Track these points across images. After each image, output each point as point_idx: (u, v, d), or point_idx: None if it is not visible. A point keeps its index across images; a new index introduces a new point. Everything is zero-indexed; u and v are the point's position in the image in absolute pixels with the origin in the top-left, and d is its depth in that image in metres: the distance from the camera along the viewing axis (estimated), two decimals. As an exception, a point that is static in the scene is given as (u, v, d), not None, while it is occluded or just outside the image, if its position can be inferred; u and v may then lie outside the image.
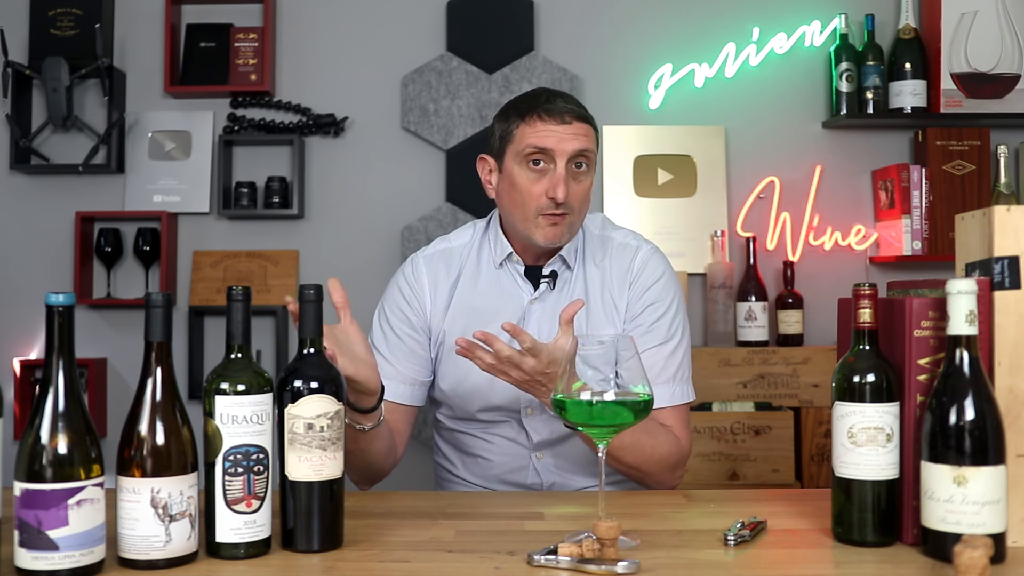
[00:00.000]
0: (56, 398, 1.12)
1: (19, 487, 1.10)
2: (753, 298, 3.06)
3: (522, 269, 1.80)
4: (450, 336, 1.78)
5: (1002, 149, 2.98)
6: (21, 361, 3.11)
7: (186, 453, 1.17)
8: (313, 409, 1.22)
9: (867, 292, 1.26)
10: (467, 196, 3.13)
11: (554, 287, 1.78)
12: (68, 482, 1.10)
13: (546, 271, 1.79)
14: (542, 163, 1.70)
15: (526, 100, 1.75)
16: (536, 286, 1.79)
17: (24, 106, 3.19)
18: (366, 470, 1.68)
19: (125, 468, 1.15)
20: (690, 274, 3.14)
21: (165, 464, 1.15)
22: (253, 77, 3.16)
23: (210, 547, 1.20)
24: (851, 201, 3.21)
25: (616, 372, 1.26)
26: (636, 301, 1.77)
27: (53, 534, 1.09)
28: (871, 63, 3.09)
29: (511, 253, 1.79)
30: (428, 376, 1.81)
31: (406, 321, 1.79)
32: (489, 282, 1.80)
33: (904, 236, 3.04)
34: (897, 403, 1.24)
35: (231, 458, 1.18)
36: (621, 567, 1.14)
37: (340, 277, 1.48)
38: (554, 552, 1.18)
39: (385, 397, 1.70)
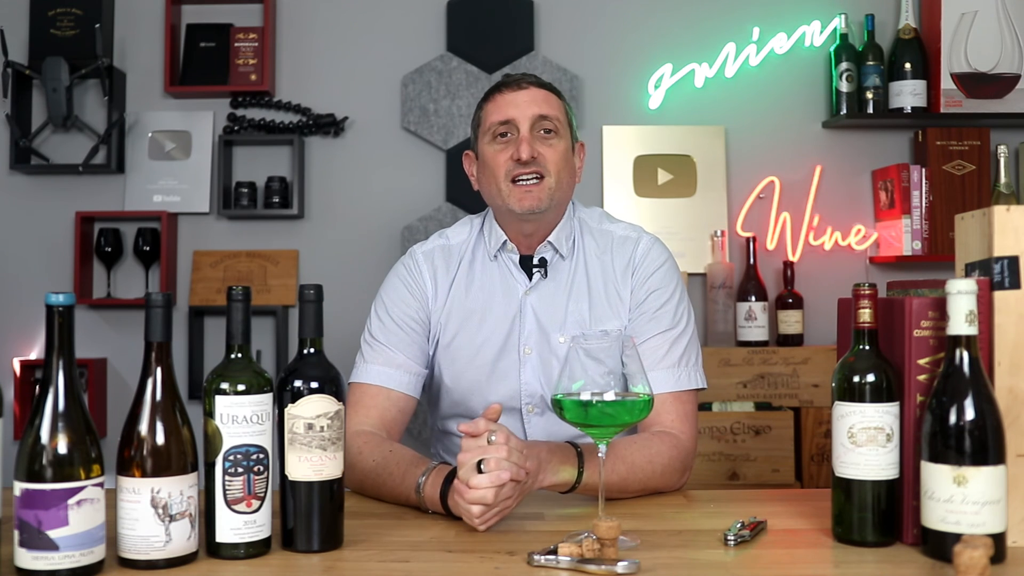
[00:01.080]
0: (56, 398, 1.12)
1: (19, 487, 1.10)
2: (753, 298, 3.06)
3: (516, 258, 1.79)
4: (446, 333, 1.78)
5: (1002, 149, 2.98)
6: (21, 361, 3.11)
7: (186, 453, 1.17)
8: (313, 409, 1.22)
9: (867, 292, 1.26)
10: (467, 196, 3.13)
11: (546, 275, 1.78)
12: (68, 482, 1.10)
13: (535, 259, 1.78)
14: (508, 134, 1.74)
15: (490, 87, 1.83)
16: (531, 277, 1.79)
17: (24, 106, 3.19)
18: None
19: (125, 468, 1.15)
20: (690, 274, 3.14)
21: (165, 464, 1.15)
22: (253, 77, 3.16)
23: (210, 547, 1.20)
24: (851, 201, 3.21)
25: (623, 362, 1.27)
26: (640, 288, 1.75)
27: (53, 534, 1.09)
28: (871, 63, 3.09)
29: (505, 242, 1.79)
30: (426, 368, 1.80)
31: (408, 311, 1.78)
32: (484, 279, 1.80)
33: (904, 236, 3.04)
34: (897, 403, 1.24)
35: (231, 458, 1.18)
36: (621, 567, 1.14)
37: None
38: (554, 552, 1.18)
39: (388, 385, 1.71)
